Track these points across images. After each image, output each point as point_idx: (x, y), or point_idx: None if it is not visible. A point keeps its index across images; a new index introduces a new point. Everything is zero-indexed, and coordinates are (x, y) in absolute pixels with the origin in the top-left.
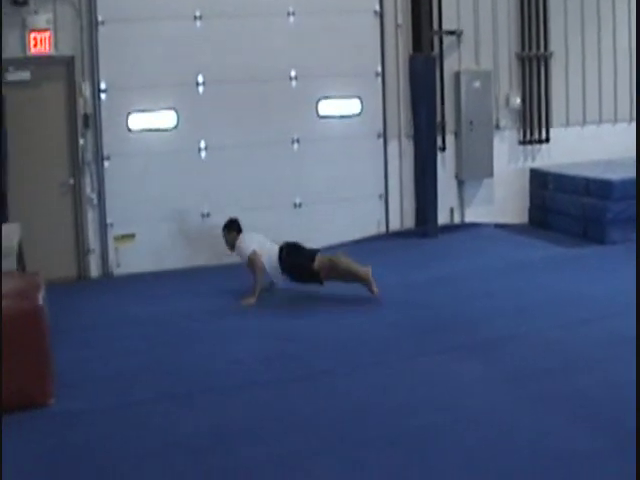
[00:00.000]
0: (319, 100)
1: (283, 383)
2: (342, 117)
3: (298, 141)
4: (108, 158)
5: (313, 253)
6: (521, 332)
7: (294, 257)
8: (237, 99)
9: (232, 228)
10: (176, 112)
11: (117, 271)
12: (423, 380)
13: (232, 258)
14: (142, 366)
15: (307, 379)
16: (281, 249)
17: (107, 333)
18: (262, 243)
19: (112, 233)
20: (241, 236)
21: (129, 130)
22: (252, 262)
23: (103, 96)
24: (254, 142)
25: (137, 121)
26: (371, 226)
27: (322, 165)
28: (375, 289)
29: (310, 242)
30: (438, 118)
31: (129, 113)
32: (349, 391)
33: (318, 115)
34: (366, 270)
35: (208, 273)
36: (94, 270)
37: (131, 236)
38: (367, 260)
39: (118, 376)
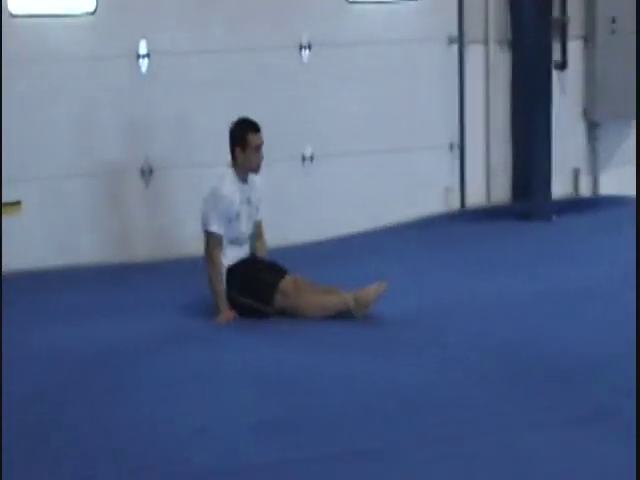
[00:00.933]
0: None
1: (287, 467)
2: (387, 5)
3: (309, 47)
4: None
5: (282, 270)
6: None
7: (252, 267)
8: None
9: (234, 138)
10: None
11: None
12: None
13: (189, 247)
14: (48, 441)
15: (326, 462)
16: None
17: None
18: (229, 221)
19: None
20: (223, 171)
21: (10, 16)
22: (207, 248)
23: None
24: (232, 46)
25: (24, 1)
26: (435, 198)
27: (349, 90)
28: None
29: (324, 225)
30: (555, 11)
31: None
32: None
33: (347, 0)
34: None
35: (152, 272)
36: None
37: (14, 205)
38: (418, 256)
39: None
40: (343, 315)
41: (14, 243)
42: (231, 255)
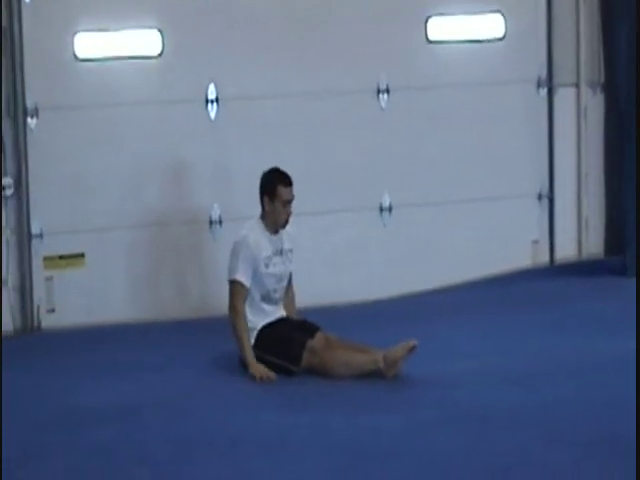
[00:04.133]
0: (429, 16)
1: None
2: (470, 45)
3: (387, 91)
4: (35, 113)
5: (313, 328)
6: None
7: (283, 327)
8: (275, 10)
9: (263, 187)
10: (160, 31)
11: (49, 321)
12: None
13: None
14: None
15: None
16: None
17: (32, 441)
18: (257, 272)
19: (42, 251)
20: (252, 221)
21: (75, 60)
22: (231, 298)
23: None
24: (306, 91)
25: (90, 44)
26: (522, 251)
27: (430, 135)
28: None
29: (399, 280)
30: None
31: (76, 31)
32: None
33: (427, 40)
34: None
35: (218, 326)
36: (7, 320)
37: (77, 257)
38: (497, 315)
39: None
40: (374, 375)
41: (74, 297)
42: (263, 314)
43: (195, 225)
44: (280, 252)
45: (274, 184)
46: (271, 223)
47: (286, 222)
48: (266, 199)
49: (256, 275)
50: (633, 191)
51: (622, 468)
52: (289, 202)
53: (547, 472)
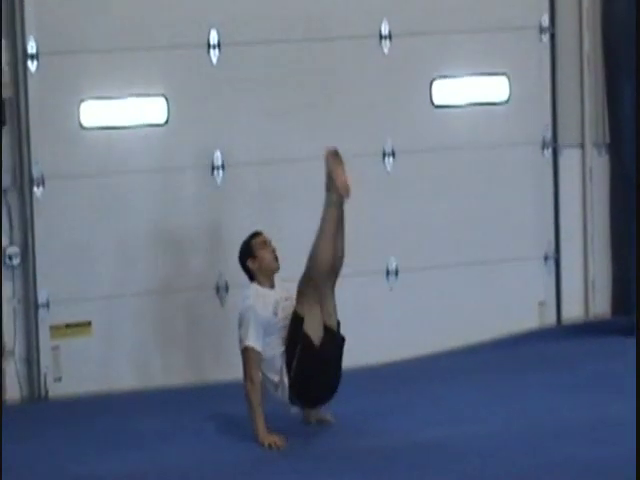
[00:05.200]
0: (434, 79)
1: None
2: (475, 108)
3: (393, 154)
4: (41, 182)
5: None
6: None
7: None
8: (280, 75)
9: (242, 257)
10: (166, 99)
11: (56, 390)
12: None
13: None
14: None
15: None
16: (292, 340)
17: None
18: (271, 325)
19: (48, 320)
20: (249, 290)
21: (81, 128)
22: (245, 367)
23: (32, 66)
24: (312, 156)
25: (95, 113)
26: (528, 312)
27: (436, 198)
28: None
29: (409, 341)
30: None
31: (81, 99)
32: None
33: (432, 104)
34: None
35: (228, 392)
36: (12, 389)
37: (84, 326)
38: (503, 377)
39: None
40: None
41: (82, 365)
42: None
43: (202, 291)
44: (285, 299)
45: (247, 244)
46: (264, 275)
47: (277, 260)
48: (249, 261)
49: (268, 330)
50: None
51: None
52: (266, 242)
53: None
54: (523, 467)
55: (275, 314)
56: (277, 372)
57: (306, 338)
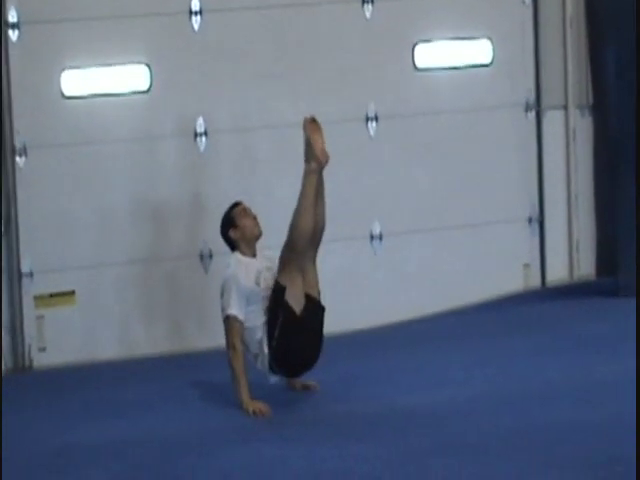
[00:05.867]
0: (416, 43)
1: None
2: (458, 72)
3: (376, 119)
4: (24, 152)
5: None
6: None
7: (298, 335)
8: (262, 40)
9: (223, 227)
10: (149, 67)
11: (40, 360)
12: None
13: None
14: None
15: None
16: (272, 313)
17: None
18: (253, 294)
19: (32, 290)
20: (231, 259)
21: (63, 97)
22: (227, 332)
23: (14, 35)
24: (295, 121)
25: (76, 82)
26: (513, 275)
27: (419, 163)
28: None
29: (394, 305)
30: None
31: (63, 68)
32: None
33: (415, 67)
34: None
35: (212, 360)
36: None
37: (68, 295)
38: (488, 340)
39: None
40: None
41: (66, 335)
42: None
43: (186, 259)
44: (267, 269)
45: (227, 215)
46: (247, 242)
47: (258, 226)
48: (231, 231)
49: (250, 299)
50: (627, 212)
51: None
52: (246, 210)
53: None
54: (508, 429)
55: (257, 284)
56: (257, 342)
57: (288, 307)
